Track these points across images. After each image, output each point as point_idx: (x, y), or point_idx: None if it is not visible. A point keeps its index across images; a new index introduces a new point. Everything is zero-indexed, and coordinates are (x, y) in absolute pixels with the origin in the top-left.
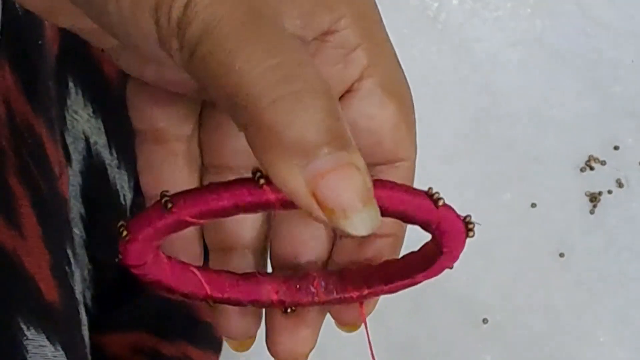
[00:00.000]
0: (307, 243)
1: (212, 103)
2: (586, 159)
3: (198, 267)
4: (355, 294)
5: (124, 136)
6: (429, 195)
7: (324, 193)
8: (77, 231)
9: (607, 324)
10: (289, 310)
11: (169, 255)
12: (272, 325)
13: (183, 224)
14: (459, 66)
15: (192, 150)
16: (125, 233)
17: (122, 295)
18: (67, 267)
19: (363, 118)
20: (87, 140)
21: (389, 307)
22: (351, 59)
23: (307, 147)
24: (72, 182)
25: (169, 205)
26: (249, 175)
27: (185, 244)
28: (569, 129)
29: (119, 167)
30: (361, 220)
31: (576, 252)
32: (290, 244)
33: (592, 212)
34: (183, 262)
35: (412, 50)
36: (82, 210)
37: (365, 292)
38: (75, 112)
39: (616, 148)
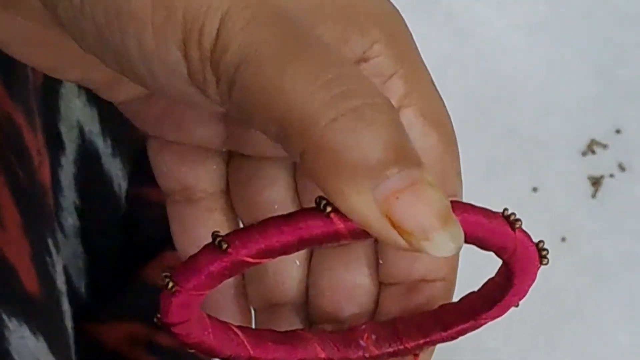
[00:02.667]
0: (351, 292)
1: (240, 154)
2: (588, 142)
3: (238, 326)
4: (410, 345)
5: (118, 124)
6: (505, 217)
7: (400, 215)
8: (71, 220)
9: (611, 308)
10: None
11: (207, 314)
12: None
13: (240, 266)
14: (461, 50)
15: (228, 205)
16: (171, 284)
17: (118, 285)
18: (48, 257)
19: None
20: (81, 128)
21: None
22: (387, 87)
23: (375, 168)
24: (65, 170)
25: (224, 245)
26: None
27: (226, 302)
28: (571, 113)
29: (113, 156)
30: (444, 239)
31: (578, 236)
32: (331, 295)
33: (594, 196)
34: (223, 321)
35: (414, 35)
36: (76, 199)
37: (422, 341)
38: (69, 101)
39: (618, 132)
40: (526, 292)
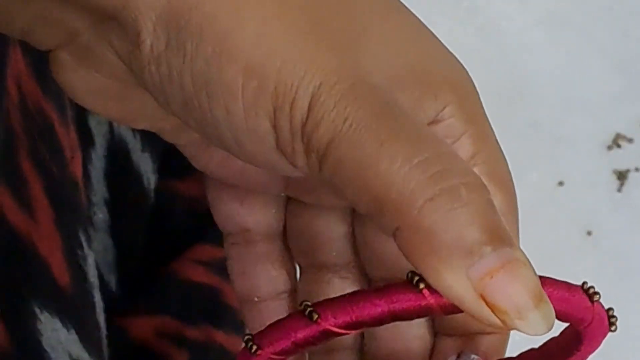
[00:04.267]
0: (407, 342)
1: (296, 198)
2: (613, 137)
3: None
4: None
5: None
6: (585, 290)
7: (494, 294)
8: (102, 215)
9: (636, 302)
10: None
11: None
12: None
13: (326, 336)
14: (484, 46)
15: (285, 248)
16: (254, 348)
17: (147, 279)
18: (79, 251)
19: None
20: (110, 123)
21: None
22: (456, 147)
23: (470, 248)
24: (95, 165)
25: (315, 316)
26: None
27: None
28: (595, 107)
29: (142, 150)
30: (538, 319)
31: (604, 230)
32: (388, 344)
33: (619, 190)
34: None
35: (437, 31)
36: (106, 194)
37: None
38: None
39: None
40: (595, 349)
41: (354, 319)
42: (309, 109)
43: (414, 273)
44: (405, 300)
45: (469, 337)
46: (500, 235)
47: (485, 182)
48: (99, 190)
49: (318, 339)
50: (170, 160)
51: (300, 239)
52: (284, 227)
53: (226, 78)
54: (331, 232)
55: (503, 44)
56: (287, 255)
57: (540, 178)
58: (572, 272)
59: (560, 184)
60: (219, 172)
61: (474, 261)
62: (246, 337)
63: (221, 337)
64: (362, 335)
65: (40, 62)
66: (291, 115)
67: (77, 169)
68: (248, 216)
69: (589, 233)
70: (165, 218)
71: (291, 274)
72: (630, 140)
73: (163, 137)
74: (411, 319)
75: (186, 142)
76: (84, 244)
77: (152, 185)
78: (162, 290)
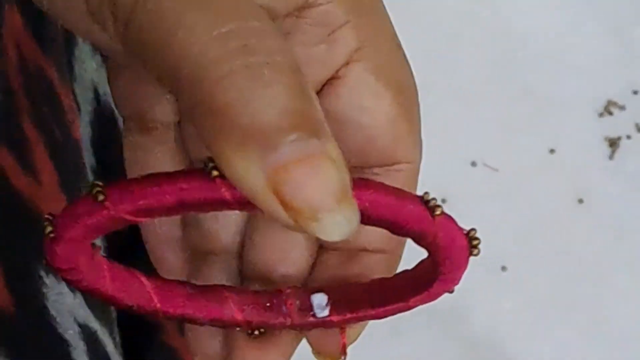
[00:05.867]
0: (287, 252)
1: None
2: (605, 103)
3: (148, 276)
4: (335, 318)
5: None
6: (424, 201)
7: (288, 190)
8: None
9: (627, 269)
10: (255, 332)
11: (109, 259)
12: (235, 348)
13: (118, 222)
14: (477, 8)
15: (179, 139)
16: (49, 229)
17: (135, 244)
18: None
19: (353, 110)
20: (95, 90)
21: None
22: (336, 38)
23: (267, 133)
24: (82, 132)
25: (101, 197)
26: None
27: (162, 247)
28: (588, 73)
29: None
30: (335, 222)
31: (595, 197)
32: (265, 252)
33: (611, 157)
34: (129, 269)
35: None
36: (93, 162)
37: (348, 316)
38: (83, 62)
39: (635, 93)
40: (457, 280)
41: (142, 205)
42: None
43: (210, 159)
44: (196, 190)
45: (352, 253)
46: (309, 123)
47: (371, 81)
48: (86, 158)
49: (110, 224)
50: None
51: (193, 130)
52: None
53: None
54: None
55: (497, 8)
56: (181, 146)
57: (531, 145)
58: (564, 240)
59: (552, 151)
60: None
61: (270, 150)
62: (45, 218)
63: None
64: (242, 242)
65: (38, 22)
66: None
67: (77, 132)
68: (143, 98)
69: (580, 201)
70: None
71: (184, 166)
72: (622, 108)
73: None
74: (206, 211)
75: None
76: None
77: None
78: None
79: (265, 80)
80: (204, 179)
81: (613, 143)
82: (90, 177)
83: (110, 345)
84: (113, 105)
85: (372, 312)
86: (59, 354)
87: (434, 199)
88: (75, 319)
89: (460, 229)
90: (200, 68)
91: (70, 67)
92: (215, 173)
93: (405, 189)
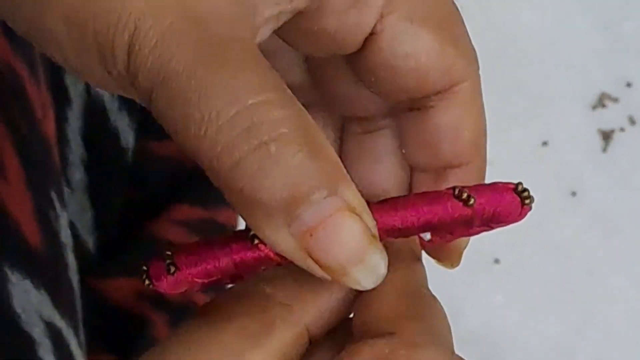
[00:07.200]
0: (383, 177)
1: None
2: (598, 96)
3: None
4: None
5: None
6: (456, 195)
7: (317, 251)
8: (79, 175)
9: (620, 264)
10: None
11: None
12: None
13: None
14: (467, 4)
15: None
16: (173, 269)
17: (126, 240)
18: (51, 211)
19: (397, 59)
20: (86, 82)
21: None
22: (364, 0)
23: (285, 206)
24: (72, 125)
25: (172, 269)
26: None
27: None
28: (580, 66)
29: (119, 110)
30: (362, 273)
31: (588, 190)
32: (369, 179)
33: (604, 150)
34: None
35: None
36: (83, 154)
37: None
38: None
39: (629, 85)
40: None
41: (203, 271)
42: (129, 52)
43: (248, 229)
44: (245, 254)
45: (440, 171)
46: (323, 182)
47: (406, 26)
48: (76, 149)
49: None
50: (149, 121)
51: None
52: None
53: (50, 25)
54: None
55: (486, 3)
56: None
57: (524, 138)
58: (557, 233)
59: (545, 144)
60: None
61: (293, 218)
62: (166, 254)
63: (200, 298)
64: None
65: None
66: (115, 63)
67: (49, 128)
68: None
69: (573, 194)
70: (143, 179)
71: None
72: (615, 100)
73: None
74: (256, 270)
75: None
76: (56, 204)
77: (130, 145)
78: (140, 251)
79: (272, 157)
80: (247, 244)
81: (606, 136)
82: (80, 169)
83: (73, 343)
84: (103, 99)
85: (467, 232)
86: (25, 351)
87: (464, 188)
88: (40, 317)
89: (506, 189)
90: (212, 160)
91: None
92: (256, 241)
93: (472, 101)
